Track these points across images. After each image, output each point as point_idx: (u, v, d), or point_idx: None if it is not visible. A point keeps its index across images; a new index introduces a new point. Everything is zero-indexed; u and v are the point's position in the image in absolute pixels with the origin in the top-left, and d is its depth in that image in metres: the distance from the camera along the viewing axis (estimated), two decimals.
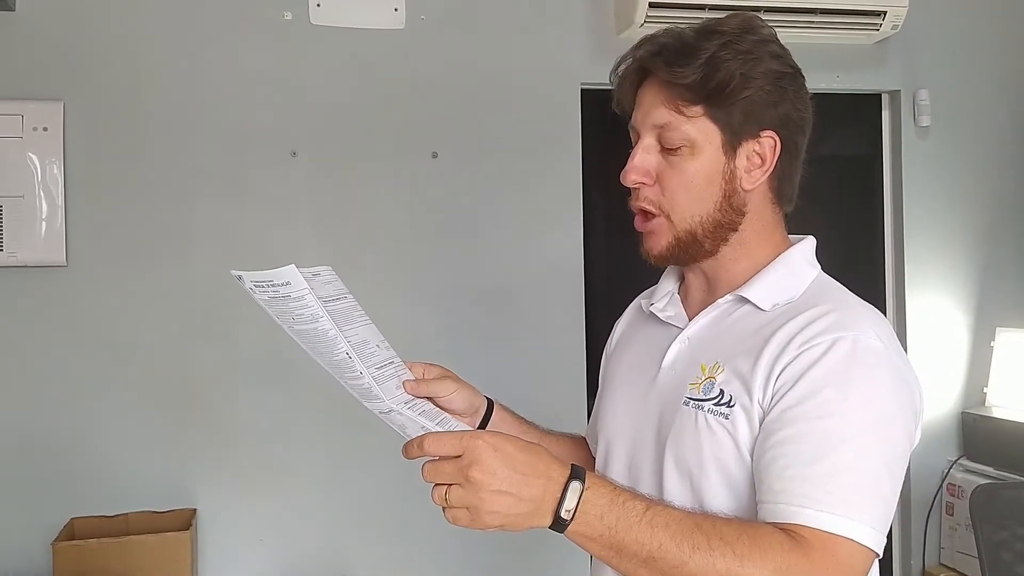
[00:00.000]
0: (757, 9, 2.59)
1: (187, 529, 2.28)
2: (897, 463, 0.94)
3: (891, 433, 0.94)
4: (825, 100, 3.36)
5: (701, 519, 0.89)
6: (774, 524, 0.90)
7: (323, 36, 2.52)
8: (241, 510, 2.46)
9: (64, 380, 2.37)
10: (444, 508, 0.88)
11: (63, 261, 2.34)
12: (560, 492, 0.87)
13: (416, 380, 1.07)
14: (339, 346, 0.92)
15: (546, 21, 2.68)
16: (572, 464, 0.90)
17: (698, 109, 1.01)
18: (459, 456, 0.87)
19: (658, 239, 1.05)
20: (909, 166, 2.97)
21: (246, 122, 2.48)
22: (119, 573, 2.16)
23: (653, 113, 1.03)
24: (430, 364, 1.13)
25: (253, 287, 0.88)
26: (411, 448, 0.91)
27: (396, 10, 2.57)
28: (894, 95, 3.00)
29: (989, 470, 2.74)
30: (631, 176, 1.04)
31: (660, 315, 1.14)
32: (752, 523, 0.91)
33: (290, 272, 0.86)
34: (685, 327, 1.09)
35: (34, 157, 2.32)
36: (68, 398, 2.37)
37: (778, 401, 0.94)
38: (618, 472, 1.11)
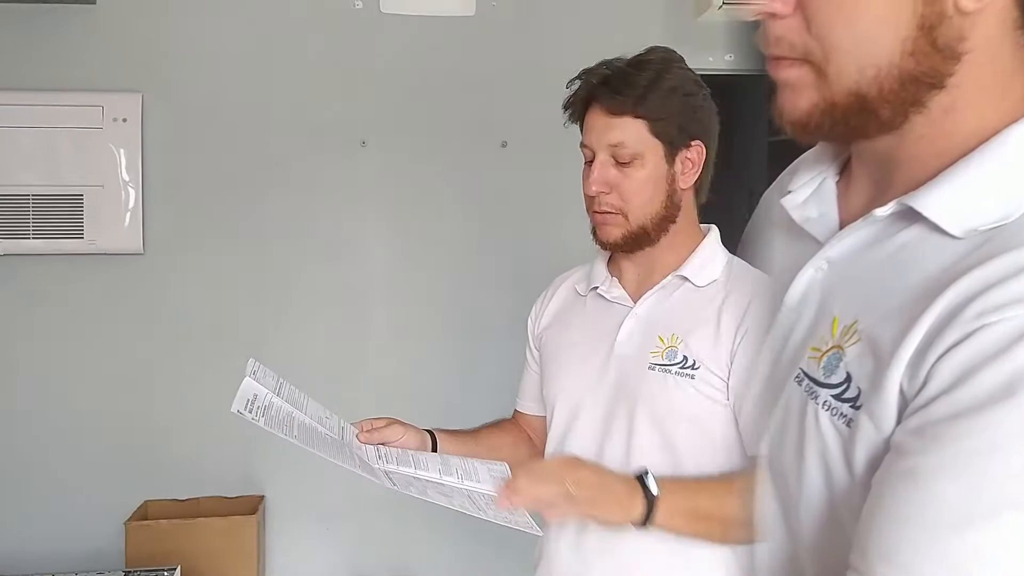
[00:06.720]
0: None
1: (254, 513, 2.32)
2: None
3: None
4: None
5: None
6: None
7: (393, 24, 2.50)
8: (307, 498, 2.48)
9: (141, 365, 2.43)
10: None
11: (140, 249, 2.40)
12: (638, 482, 1.11)
13: (367, 431, 1.27)
14: (318, 429, 1.13)
15: (622, 5, 2.59)
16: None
17: (642, 127, 1.24)
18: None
19: (614, 230, 1.29)
20: None
21: (317, 112, 2.49)
22: (188, 553, 2.22)
23: (606, 135, 1.26)
24: (375, 419, 1.31)
25: (252, 419, 1.08)
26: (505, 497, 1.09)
27: None
28: None
29: None
30: (594, 188, 1.27)
31: (607, 295, 1.34)
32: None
33: (248, 385, 1.12)
34: (633, 306, 1.31)
35: (114, 147, 2.38)
36: (145, 384, 2.43)
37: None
38: (586, 434, 1.29)
